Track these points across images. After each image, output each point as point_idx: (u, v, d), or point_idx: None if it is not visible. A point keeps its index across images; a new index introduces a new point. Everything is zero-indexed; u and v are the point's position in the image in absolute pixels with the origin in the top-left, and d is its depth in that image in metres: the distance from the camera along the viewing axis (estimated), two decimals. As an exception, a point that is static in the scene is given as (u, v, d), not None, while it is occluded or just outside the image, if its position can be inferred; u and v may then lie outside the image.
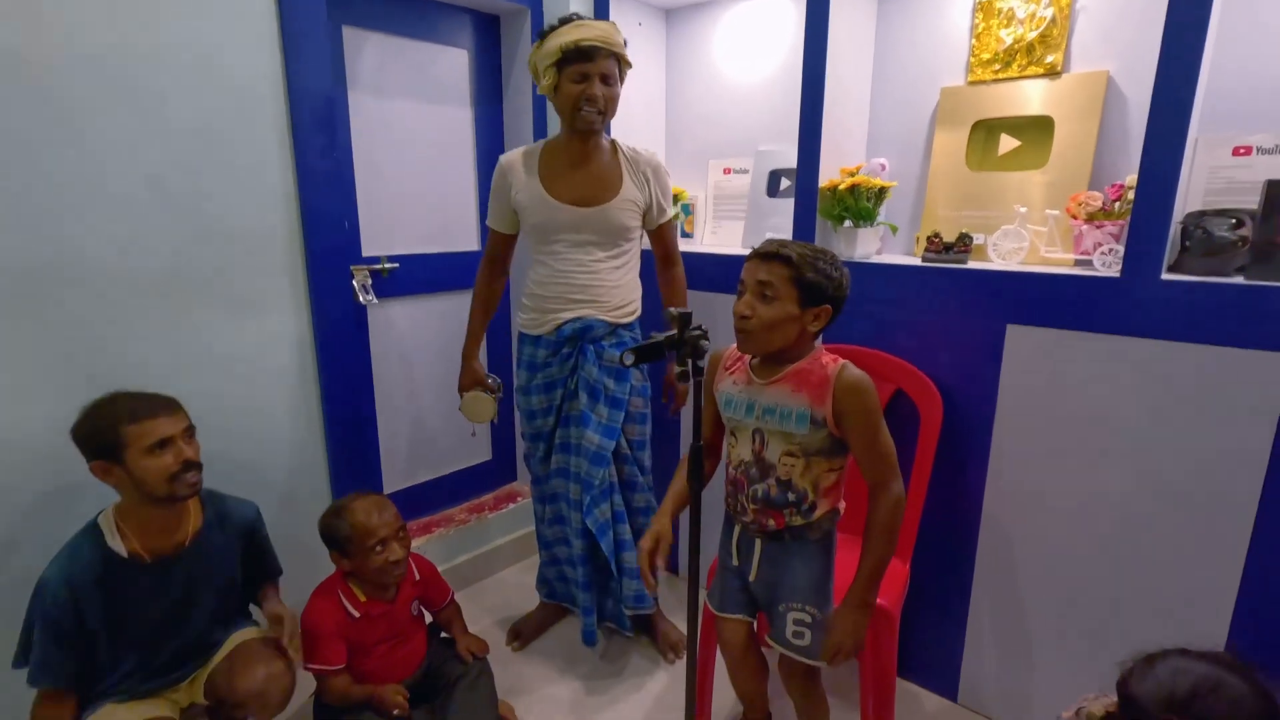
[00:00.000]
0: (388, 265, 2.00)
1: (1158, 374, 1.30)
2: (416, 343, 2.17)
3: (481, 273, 1.83)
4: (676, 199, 2.20)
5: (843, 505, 1.29)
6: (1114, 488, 1.38)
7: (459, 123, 2.19)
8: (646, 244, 1.81)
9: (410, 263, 2.08)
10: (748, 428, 1.25)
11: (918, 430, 1.58)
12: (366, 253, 1.98)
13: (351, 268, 1.88)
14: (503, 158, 1.72)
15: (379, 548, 1.50)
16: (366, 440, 2.01)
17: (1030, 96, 1.60)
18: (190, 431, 1.28)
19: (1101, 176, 1.52)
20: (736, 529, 1.33)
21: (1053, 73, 1.56)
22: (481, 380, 1.88)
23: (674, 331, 1.05)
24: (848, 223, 1.71)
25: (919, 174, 1.80)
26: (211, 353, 1.58)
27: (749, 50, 2.12)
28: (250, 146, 1.56)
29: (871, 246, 1.75)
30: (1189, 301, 1.25)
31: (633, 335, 1.77)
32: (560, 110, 1.61)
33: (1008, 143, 1.63)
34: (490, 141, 2.25)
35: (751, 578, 1.30)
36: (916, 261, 1.64)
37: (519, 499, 2.38)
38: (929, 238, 1.64)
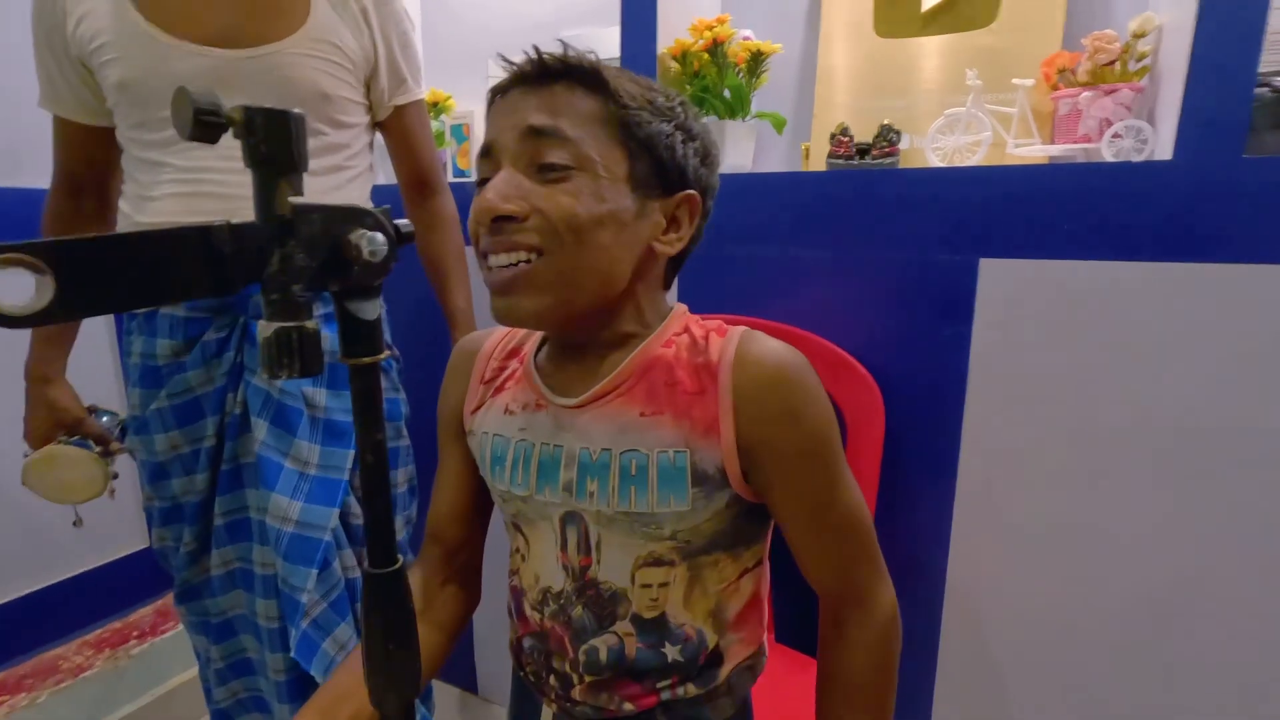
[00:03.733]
0: None
1: (1243, 323, 0.77)
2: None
3: (53, 211, 0.94)
4: (440, 109, 1.42)
5: (765, 644, 0.61)
6: (1164, 514, 0.83)
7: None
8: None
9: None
10: (549, 513, 0.54)
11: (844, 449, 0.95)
12: None
13: None
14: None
15: None
16: None
17: (965, -83, 1.04)
18: None
19: (1077, 32, 1.00)
20: (547, 716, 0.59)
21: (997, -122, 1.02)
22: (73, 420, 0.98)
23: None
24: (710, 116, 1.05)
25: (801, 53, 1.19)
26: None
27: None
28: None
29: (744, 154, 1.10)
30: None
31: None
32: None
33: (936, -10, 1.07)
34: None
35: None
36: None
37: (203, 607, 1.44)
38: (834, 135, 1.02)
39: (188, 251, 0.29)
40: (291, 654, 0.88)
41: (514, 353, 0.60)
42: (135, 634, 1.35)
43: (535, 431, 0.55)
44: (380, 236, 0.31)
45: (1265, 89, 0.82)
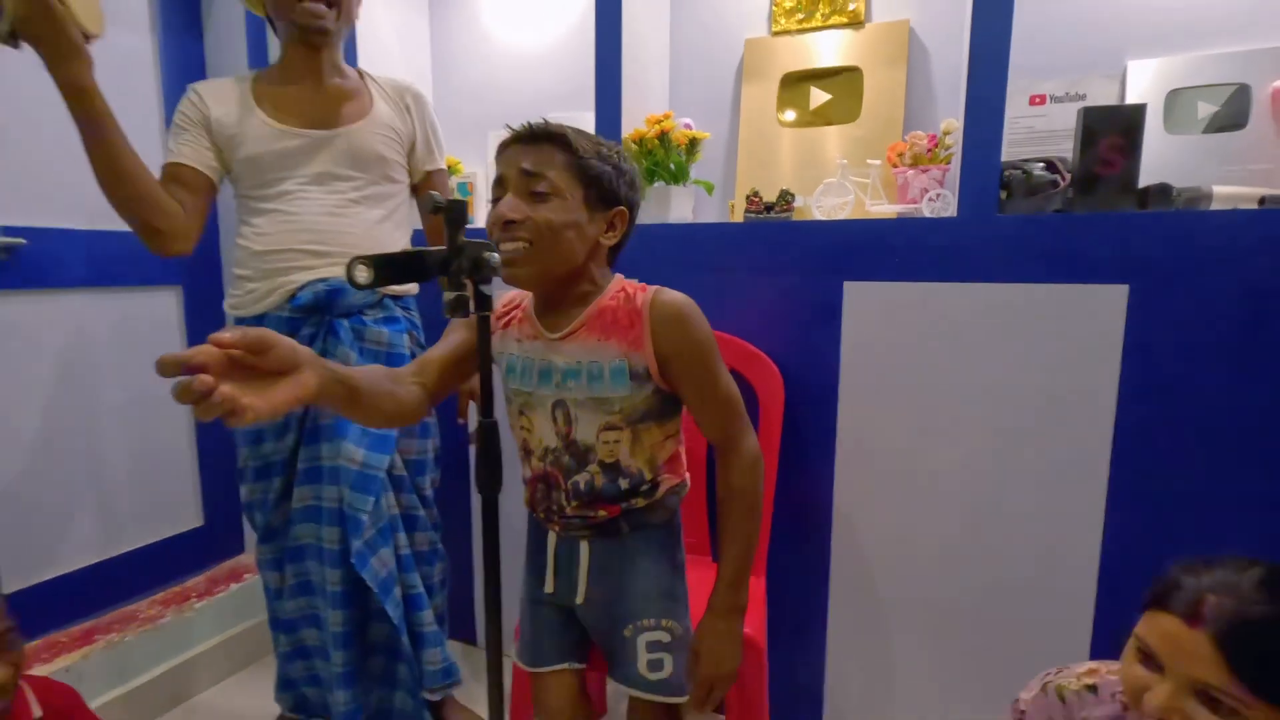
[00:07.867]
0: (3, 240, 1.33)
1: (1001, 321, 1.18)
2: (68, 356, 1.49)
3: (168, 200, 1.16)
4: (451, 170, 1.80)
5: (688, 477, 0.97)
6: (968, 451, 1.23)
7: (135, 57, 1.59)
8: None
9: (51, 240, 1.42)
10: (545, 401, 0.89)
11: (756, 419, 1.33)
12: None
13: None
14: (195, 84, 1.22)
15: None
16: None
17: (837, 47, 1.49)
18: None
19: (913, 126, 1.44)
20: (551, 539, 0.95)
21: (856, 22, 1.47)
22: None
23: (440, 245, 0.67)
24: (659, 182, 1.45)
25: (728, 134, 1.61)
26: None
27: (530, 12, 1.82)
28: None
29: (685, 209, 1.50)
30: (1025, 236, 1.15)
31: (409, 315, 1.34)
32: (277, 8, 1.18)
33: (818, 96, 1.50)
34: (186, 80, 1.67)
35: (579, 599, 0.93)
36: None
37: (246, 577, 1.73)
38: (748, 196, 1.43)
39: (415, 261, 0.66)
40: (351, 560, 1.20)
41: (518, 305, 0.94)
42: (196, 593, 1.64)
43: (534, 353, 0.89)
44: (496, 255, 0.68)
45: (1018, 171, 1.25)
